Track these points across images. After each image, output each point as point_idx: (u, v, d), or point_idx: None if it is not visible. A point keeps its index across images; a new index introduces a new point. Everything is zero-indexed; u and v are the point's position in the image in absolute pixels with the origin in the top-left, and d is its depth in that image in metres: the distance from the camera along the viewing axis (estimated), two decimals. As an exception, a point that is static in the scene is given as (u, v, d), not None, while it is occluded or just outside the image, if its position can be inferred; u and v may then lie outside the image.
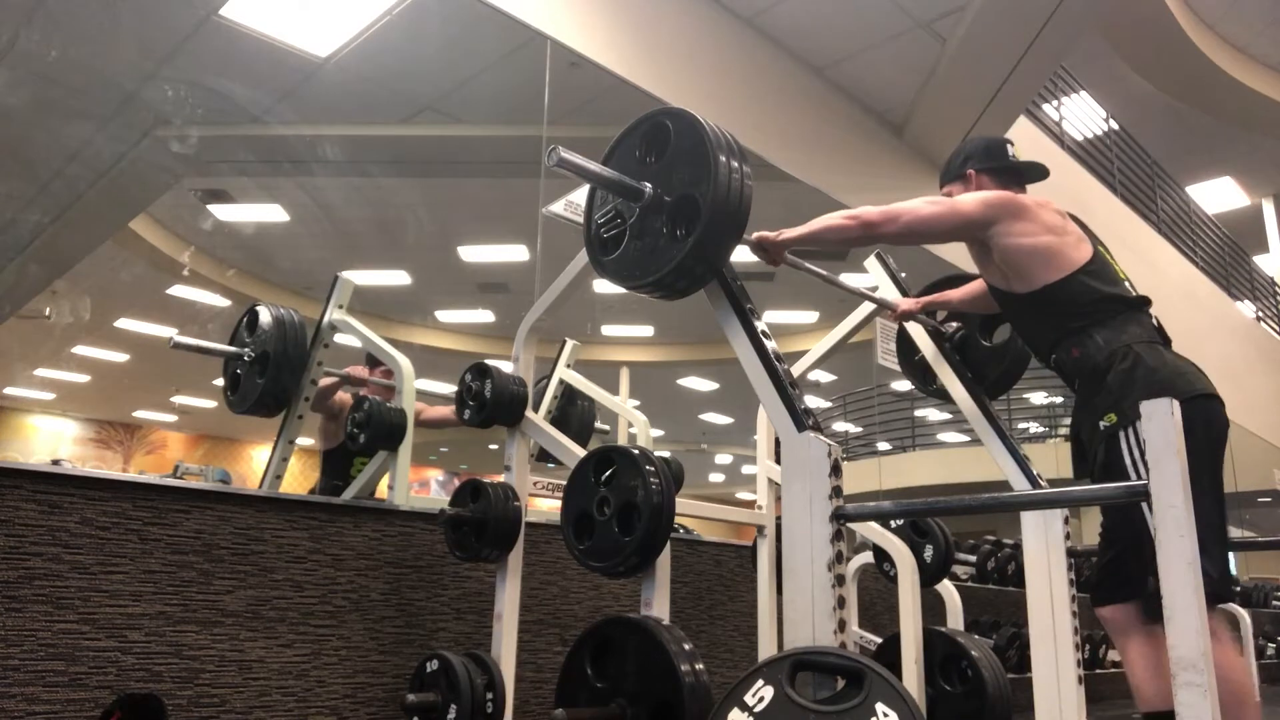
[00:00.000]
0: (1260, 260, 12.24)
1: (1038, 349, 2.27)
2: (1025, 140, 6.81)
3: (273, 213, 7.44)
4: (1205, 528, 1.65)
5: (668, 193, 1.88)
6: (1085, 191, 7.75)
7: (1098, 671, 5.29)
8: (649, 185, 1.90)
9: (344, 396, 3.93)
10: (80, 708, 2.10)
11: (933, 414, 12.86)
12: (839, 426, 13.15)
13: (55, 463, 4.81)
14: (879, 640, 3.11)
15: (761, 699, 1.51)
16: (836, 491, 1.68)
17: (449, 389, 2.69)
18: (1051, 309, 2.12)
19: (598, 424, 4.21)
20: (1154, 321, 2.13)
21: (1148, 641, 2.09)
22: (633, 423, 4.52)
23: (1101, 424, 2.00)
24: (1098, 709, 2.67)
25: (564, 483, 2.27)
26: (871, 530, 3.10)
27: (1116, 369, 1.99)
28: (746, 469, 18.18)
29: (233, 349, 2.73)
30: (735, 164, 1.81)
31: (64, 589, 2.12)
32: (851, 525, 2.80)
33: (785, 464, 1.74)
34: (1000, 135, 2.95)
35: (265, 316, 2.67)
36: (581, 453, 2.28)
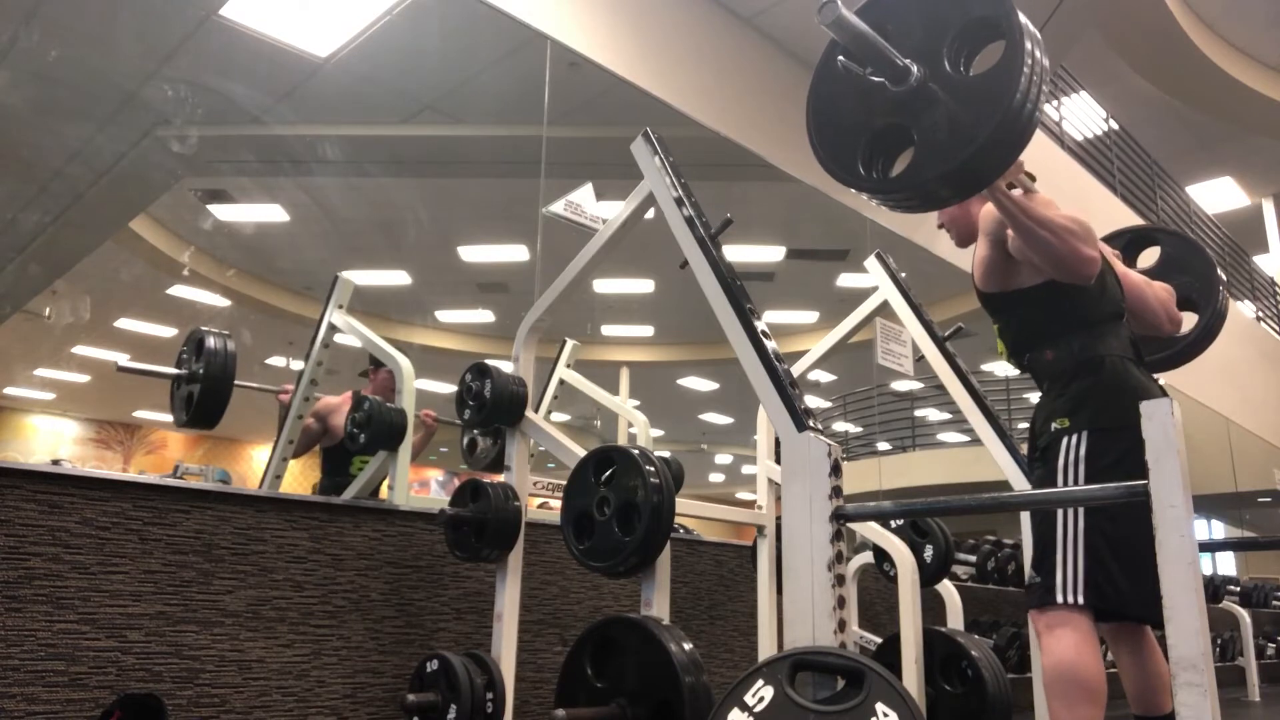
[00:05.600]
0: (1260, 260, 12.24)
1: (1013, 347, 2.22)
2: (1025, 140, 6.80)
3: (273, 213, 7.44)
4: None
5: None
6: (1085, 191, 7.75)
7: (1108, 671, 5.28)
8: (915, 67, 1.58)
9: (328, 401, 3.94)
10: (80, 708, 2.10)
11: (933, 414, 12.86)
12: (839, 426, 13.14)
13: (55, 463, 4.81)
14: (879, 640, 3.11)
15: (761, 699, 1.51)
16: (836, 491, 1.68)
17: (449, 389, 2.70)
18: (1039, 310, 2.08)
19: (596, 422, 4.24)
20: (1130, 336, 2.11)
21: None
22: (633, 423, 4.52)
23: (1053, 425, 1.99)
24: (1105, 709, 2.66)
25: (564, 483, 2.28)
26: (871, 530, 3.10)
27: (1084, 378, 1.98)
28: (746, 469, 18.18)
29: (172, 371, 2.91)
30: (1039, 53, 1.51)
31: (64, 589, 2.12)
32: (851, 525, 2.80)
33: (785, 464, 1.74)
34: None
35: (204, 342, 2.85)
36: (582, 453, 2.28)
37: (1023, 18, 1.50)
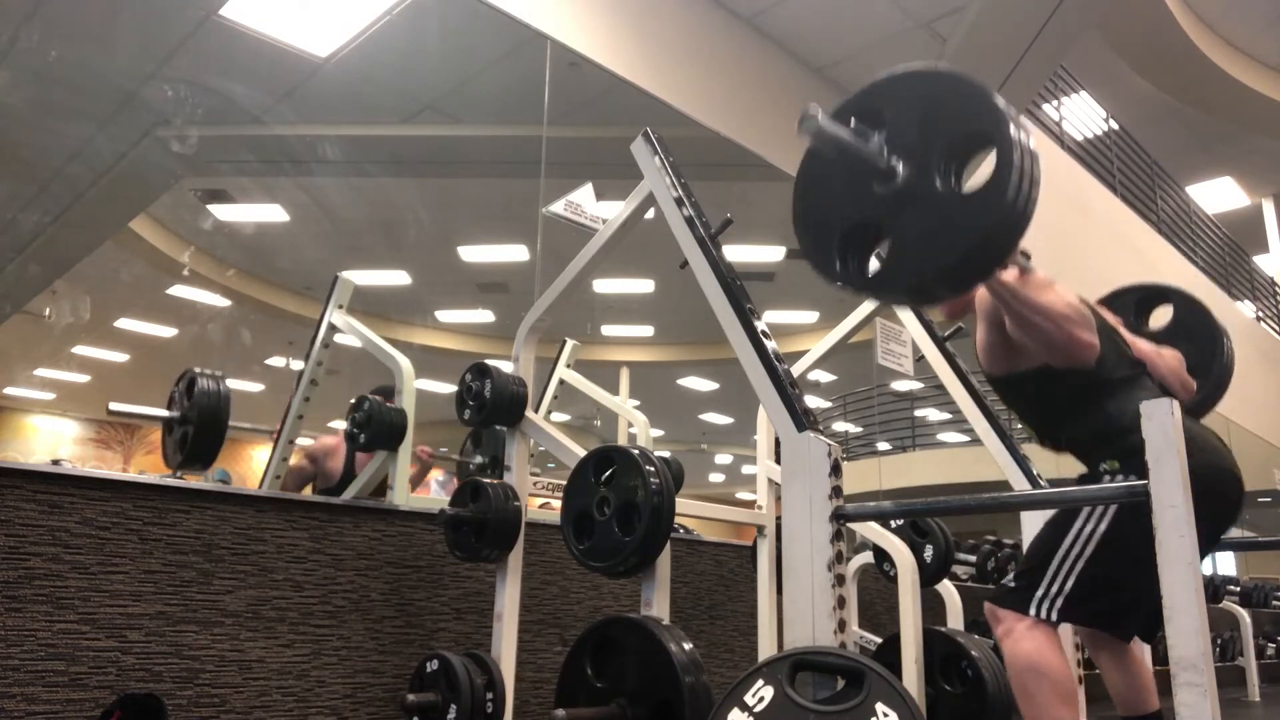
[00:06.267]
0: (1260, 260, 12.24)
1: (1041, 429, 2.13)
2: (1025, 140, 6.80)
3: (273, 213, 7.44)
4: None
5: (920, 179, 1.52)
6: (1085, 191, 7.75)
7: (1097, 672, 5.28)
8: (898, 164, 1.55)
9: (324, 443, 3.95)
10: (80, 708, 2.10)
11: (933, 414, 12.85)
12: (839, 426, 13.14)
13: (55, 463, 4.81)
14: (879, 640, 3.11)
15: (761, 699, 1.51)
16: (836, 491, 1.68)
17: (449, 389, 2.70)
18: (1056, 385, 1.99)
19: (596, 422, 4.25)
20: (1158, 380, 2.06)
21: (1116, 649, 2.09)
22: (633, 423, 4.52)
23: (1102, 466, 1.91)
24: (1098, 709, 2.66)
25: (564, 483, 2.28)
26: (871, 530, 3.10)
27: (1134, 432, 1.65)
28: (746, 469, 18.17)
29: (164, 413, 2.86)
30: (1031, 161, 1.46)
31: (64, 589, 2.12)
32: (851, 525, 2.80)
33: (785, 464, 1.74)
34: None
35: (196, 383, 2.80)
36: (582, 453, 2.28)
37: (1016, 131, 1.44)
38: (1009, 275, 1.88)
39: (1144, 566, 1.63)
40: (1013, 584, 1.93)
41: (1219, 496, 1.91)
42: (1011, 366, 2.05)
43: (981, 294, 2.04)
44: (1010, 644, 1.87)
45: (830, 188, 1.65)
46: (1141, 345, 2.23)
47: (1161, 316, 2.55)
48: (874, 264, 1.60)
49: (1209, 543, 1.96)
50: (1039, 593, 1.86)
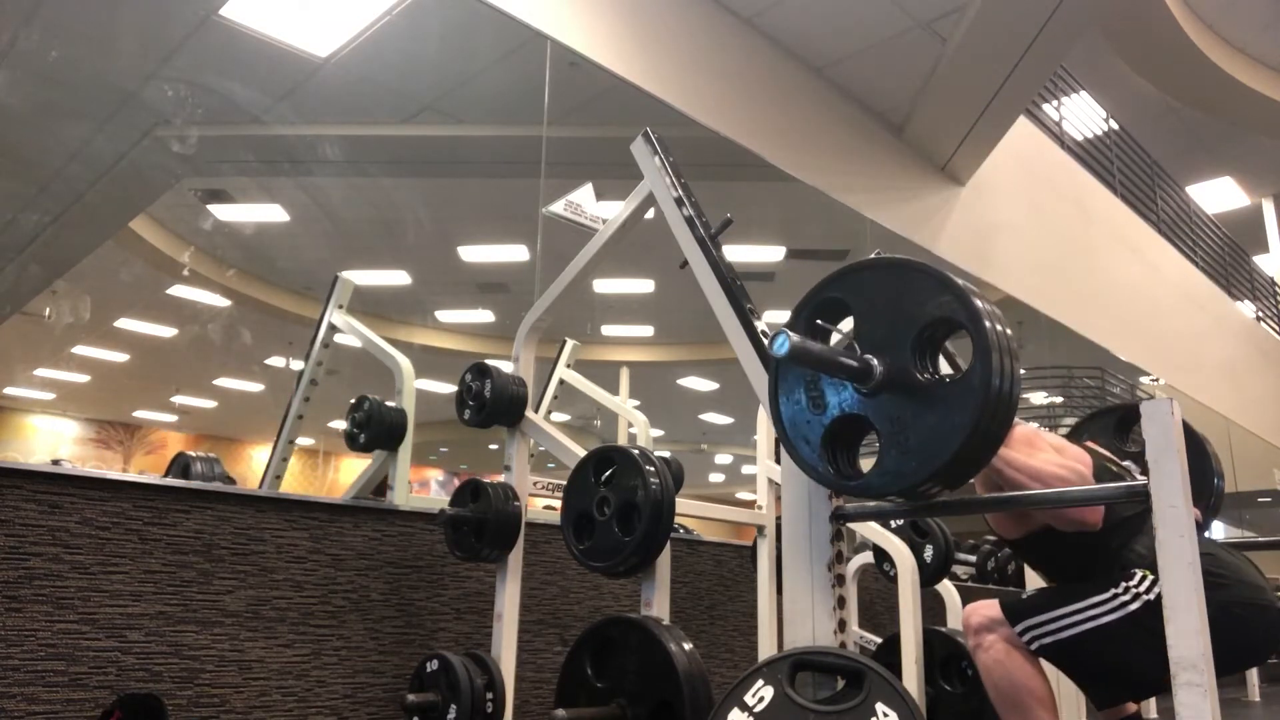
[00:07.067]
0: (1260, 260, 12.23)
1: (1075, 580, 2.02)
2: (1025, 140, 6.81)
3: (273, 213, 7.44)
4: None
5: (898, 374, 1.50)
6: (1085, 191, 7.75)
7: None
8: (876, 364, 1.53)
9: None
10: (80, 708, 2.10)
11: (933, 414, 12.82)
12: (839, 426, 13.11)
13: (55, 463, 4.81)
14: (879, 640, 3.11)
15: (761, 699, 1.51)
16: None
17: (449, 389, 2.70)
18: (1070, 539, 1.91)
19: (596, 422, 4.25)
20: None
21: None
22: (633, 423, 4.52)
23: (1134, 569, 1.80)
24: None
25: (564, 483, 2.27)
26: (871, 530, 3.10)
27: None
28: (746, 469, 18.17)
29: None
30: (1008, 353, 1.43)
31: (64, 589, 2.12)
32: (851, 525, 2.80)
33: (785, 464, 1.74)
34: None
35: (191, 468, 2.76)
36: (582, 453, 2.28)
37: (983, 308, 1.43)
38: None
39: (1148, 657, 1.56)
40: (1021, 597, 1.90)
41: (1260, 640, 1.82)
42: (1023, 529, 2.00)
43: None
44: (984, 654, 1.84)
45: (807, 395, 1.63)
46: (1138, 474, 2.12)
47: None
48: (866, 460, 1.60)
49: (1229, 668, 1.86)
50: (1038, 620, 1.82)
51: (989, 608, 1.90)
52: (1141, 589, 1.75)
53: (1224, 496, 2.42)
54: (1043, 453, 1.89)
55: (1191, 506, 1.36)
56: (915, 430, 1.47)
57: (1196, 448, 2.38)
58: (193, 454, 2.81)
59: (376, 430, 2.86)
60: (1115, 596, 1.77)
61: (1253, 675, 6.24)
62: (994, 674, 1.83)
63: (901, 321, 1.51)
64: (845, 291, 1.60)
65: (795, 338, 1.42)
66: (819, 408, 1.60)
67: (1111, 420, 2.51)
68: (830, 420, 1.58)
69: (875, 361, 1.51)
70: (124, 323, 9.44)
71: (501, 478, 2.54)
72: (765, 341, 1.96)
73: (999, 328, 1.43)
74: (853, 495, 1.64)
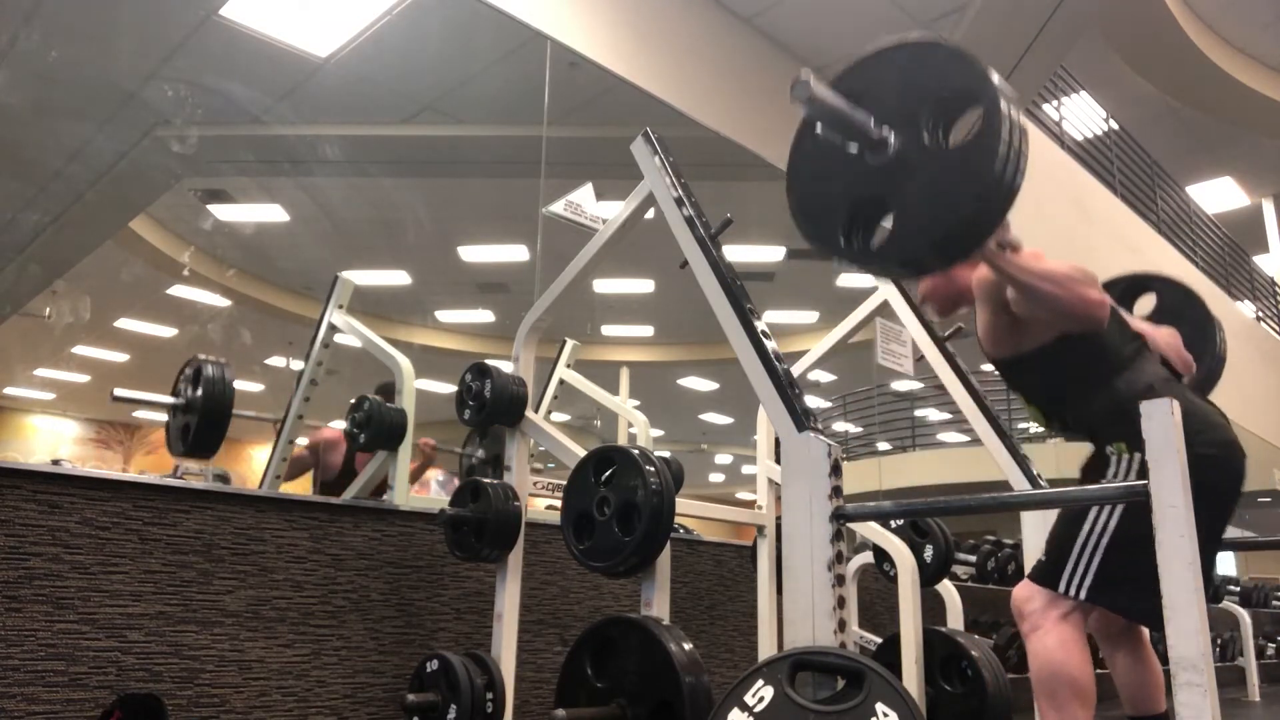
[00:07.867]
0: (1260, 260, 12.23)
1: (1049, 410, 2.12)
2: (1025, 140, 6.79)
3: (273, 213, 7.44)
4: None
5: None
6: (1085, 191, 7.75)
7: (1098, 672, 5.28)
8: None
9: (324, 435, 3.94)
10: (80, 708, 2.10)
11: (933, 414, 12.86)
12: (839, 426, 13.15)
13: (55, 463, 4.82)
14: (879, 640, 3.11)
15: (761, 699, 1.51)
16: (836, 491, 1.68)
17: (449, 389, 2.70)
18: (1062, 364, 1.99)
19: (596, 422, 4.26)
20: (1161, 357, 2.05)
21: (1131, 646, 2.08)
22: (633, 423, 4.52)
23: (1107, 449, 1.92)
24: (1098, 709, 2.66)
25: (564, 483, 2.28)
26: (871, 530, 3.10)
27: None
28: (746, 469, 18.18)
29: (169, 400, 2.85)
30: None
31: (64, 589, 2.12)
32: (851, 525, 2.80)
33: (785, 464, 1.74)
34: None
35: (201, 371, 2.80)
36: (582, 453, 2.28)
37: (999, 82, 1.46)
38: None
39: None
40: (1043, 560, 1.93)
41: (1235, 475, 1.99)
42: (1018, 347, 2.04)
43: (979, 277, 2.03)
44: (1036, 639, 1.87)
45: (826, 167, 1.65)
46: (1138, 322, 2.24)
47: (1146, 305, 2.59)
48: (880, 235, 1.61)
49: (1224, 519, 1.96)
50: (1066, 569, 1.86)
51: (1029, 588, 1.94)
52: (1130, 470, 1.85)
53: (1223, 359, 2.50)
54: (1051, 260, 1.92)
55: (1191, 507, 1.36)
56: (927, 200, 1.49)
57: (1201, 312, 2.50)
58: (204, 358, 2.81)
59: (376, 430, 2.86)
60: (1094, 525, 1.84)
61: (1253, 675, 6.24)
62: (1038, 659, 1.86)
63: (915, 95, 1.53)
64: (861, 79, 1.61)
65: (815, 82, 1.44)
66: (834, 181, 1.63)
67: (1118, 289, 2.56)
68: (845, 195, 1.60)
69: (891, 133, 1.53)
70: (124, 323, 9.45)
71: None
72: (766, 341, 1.96)
73: (1012, 99, 1.45)
74: (864, 267, 1.66)
